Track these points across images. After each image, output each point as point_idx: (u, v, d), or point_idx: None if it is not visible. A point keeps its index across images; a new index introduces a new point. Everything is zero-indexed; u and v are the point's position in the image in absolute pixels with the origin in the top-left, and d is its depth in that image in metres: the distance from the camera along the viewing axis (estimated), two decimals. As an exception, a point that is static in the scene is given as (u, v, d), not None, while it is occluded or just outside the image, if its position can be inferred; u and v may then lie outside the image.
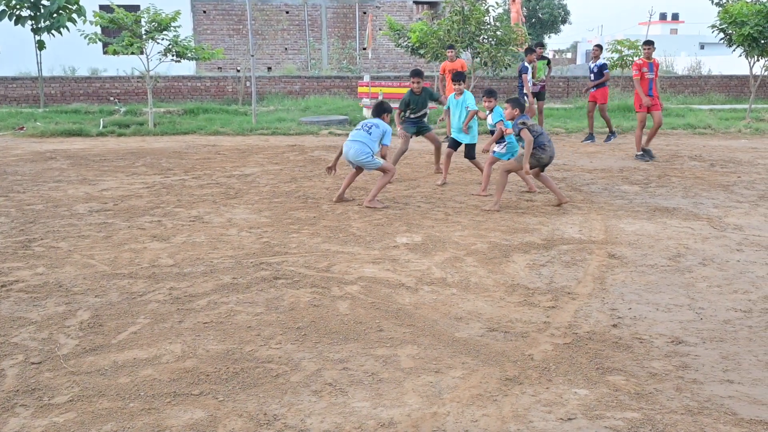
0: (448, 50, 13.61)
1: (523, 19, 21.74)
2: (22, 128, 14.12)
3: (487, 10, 15.96)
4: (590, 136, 13.05)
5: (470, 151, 8.48)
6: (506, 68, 17.06)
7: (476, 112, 8.32)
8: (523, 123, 6.93)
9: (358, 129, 7.36)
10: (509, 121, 7.33)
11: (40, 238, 5.88)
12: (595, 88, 12.87)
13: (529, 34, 21.62)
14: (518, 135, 7.05)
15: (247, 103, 18.68)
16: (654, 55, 10.68)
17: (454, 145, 8.50)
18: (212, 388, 3.20)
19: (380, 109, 7.51)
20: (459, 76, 8.39)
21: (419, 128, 9.12)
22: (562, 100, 20.85)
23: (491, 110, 7.82)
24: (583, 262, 5.24)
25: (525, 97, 12.90)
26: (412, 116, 9.07)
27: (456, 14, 15.61)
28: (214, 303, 4.31)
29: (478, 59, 16.14)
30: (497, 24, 16.28)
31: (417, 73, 8.74)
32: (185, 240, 5.86)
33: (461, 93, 8.40)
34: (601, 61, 12.93)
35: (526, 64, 12.99)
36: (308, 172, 9.34)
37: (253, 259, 5.25)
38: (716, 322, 4.04)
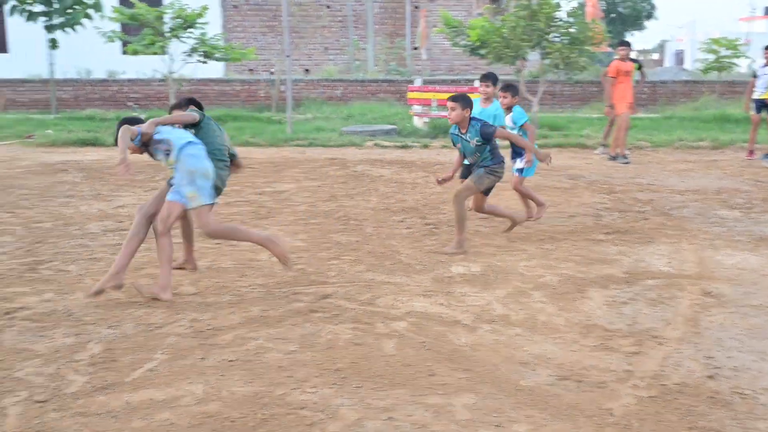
0: (621, 48, 12.76)
1: (601, 15, 21.66)
2: (30, 136, 14.61)
3: (559, 5, 15.94)
4: None
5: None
6: (581, 71, 16.97)
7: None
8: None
9: None
10: (504, 110, 7.22)
11: (48, 260, 6.05)
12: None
13: (608, 32, 21.44)
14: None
15: (281, 110, 18.95)
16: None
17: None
18: (237, 436, 3.22)
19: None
20: (490, 77, 7.36)
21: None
22: (647, 109, 20.57)
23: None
24: (672, 301, 5.14)
25: (753, 103, 12.58)
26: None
27: (522, 9, 15.62)
28: (241, 338, 4.35)
29: (549, 61, 16.11)
30: (570, 20, 16.23)
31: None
32: (209, 265, 5.94)
33: (491, 101, 7.35)
34: None
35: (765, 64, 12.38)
36: (350, 190, 9.41)
37: (285, 289, 5.29)
38: (836, 376, 3.90)
